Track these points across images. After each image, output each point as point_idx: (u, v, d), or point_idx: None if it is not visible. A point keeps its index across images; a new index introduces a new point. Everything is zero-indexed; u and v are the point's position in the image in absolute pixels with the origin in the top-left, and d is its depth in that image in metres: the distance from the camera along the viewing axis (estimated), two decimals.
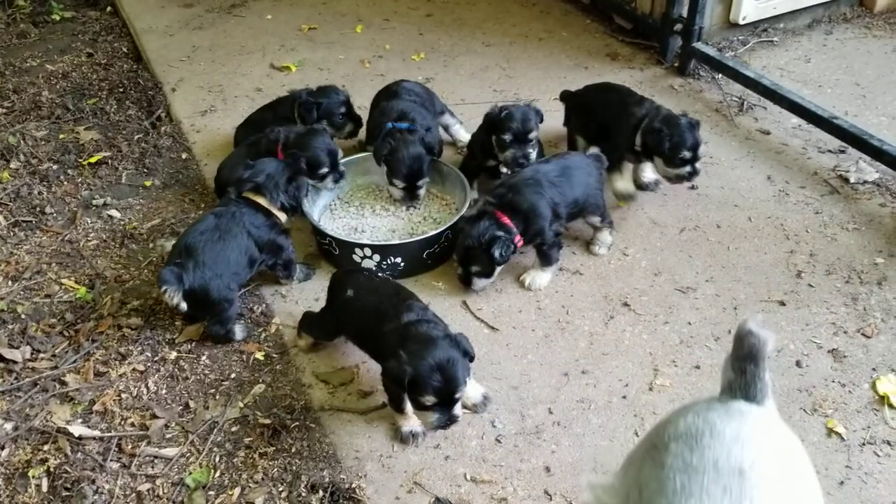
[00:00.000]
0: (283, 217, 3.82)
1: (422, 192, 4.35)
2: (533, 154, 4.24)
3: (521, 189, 3.83)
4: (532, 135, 4.21)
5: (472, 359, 3.08)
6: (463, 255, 3.80)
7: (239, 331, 3.68)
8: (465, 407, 3.32)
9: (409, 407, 3.18)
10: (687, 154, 4.10)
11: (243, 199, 3.76)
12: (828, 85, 5.45)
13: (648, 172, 4.39)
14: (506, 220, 3.76)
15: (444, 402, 2.93)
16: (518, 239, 3.77)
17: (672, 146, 4.07)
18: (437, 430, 3.07)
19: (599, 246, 4.11)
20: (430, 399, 2.91)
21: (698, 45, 5.42)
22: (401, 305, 3.19)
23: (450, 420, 2.98)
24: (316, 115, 4.53)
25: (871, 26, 6.13)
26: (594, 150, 4.23)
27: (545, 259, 3.92)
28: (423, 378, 2.88)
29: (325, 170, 4.13)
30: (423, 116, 4.42)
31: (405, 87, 4.61)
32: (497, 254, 3.68)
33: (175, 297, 3.43)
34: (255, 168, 3.82)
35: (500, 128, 4.19)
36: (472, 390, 3.32)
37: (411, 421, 3.21)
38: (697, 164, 4.16)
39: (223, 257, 3.55)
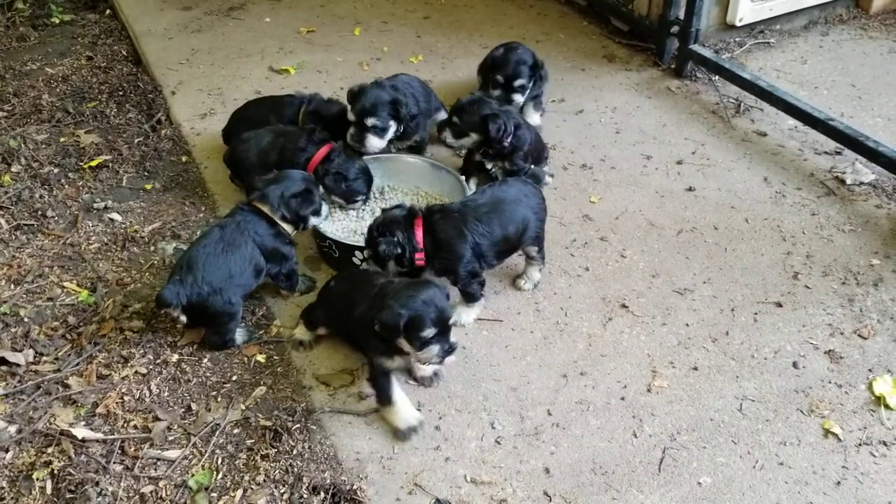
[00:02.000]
0: (289, 228, 3.80)
1: (372, 139, 4.31)
2: (449, 139, 4.32)
3: (447, 219, 3.65)
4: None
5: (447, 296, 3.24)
6: (367, 236, 3.70)
7: (240, 336, 3.71)
8: (413, 379, 3.49)
9: (396, 395, 3.28)
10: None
11: (250, 206, 3.78)
12: (824, 86, 5.49)
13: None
14: (418, 232, 3.59)
15: (442, 332, 3.10)
16: (420, 256, 3.60)
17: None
18: (441, 361, 3.18)
19: (526, 281, 3.97)
20: (430, 331, 3.07)
21: (695, 47, 5.45)
22: (370, 285, 3.31)
23: (450, 348, 3.14)
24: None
25: (867, 27, 6.17)
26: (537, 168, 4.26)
27: (467, 297, 3.75)
28: (420, 314, 3.05)
29: (360, 199, 4.30)
30: (410, 106, 4.51)
31: (402, 79, 4.72)
32: (381, 249, 3.55)
33: (175, 312, 3.50)
34: (270, 178, 3.85)
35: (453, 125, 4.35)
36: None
37: (404, 413, 3.28)
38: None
39: (224, 271, 3.54)
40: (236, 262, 3.58)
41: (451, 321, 3.14)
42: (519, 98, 4.84)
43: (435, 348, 3.11)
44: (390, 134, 4.35)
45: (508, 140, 4.20)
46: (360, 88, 4.35)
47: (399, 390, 3.30)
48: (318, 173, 4.17)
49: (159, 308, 3.52)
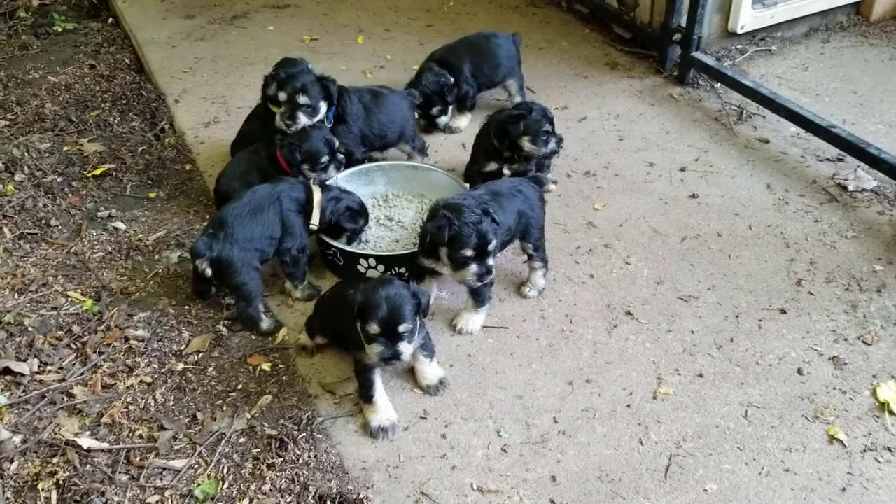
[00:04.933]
0: (316, 219, 3.94)
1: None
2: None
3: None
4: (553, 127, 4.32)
5: (424, 311, 3.25)
6: (479, 239, 3.43)
7: (265, 323, 3.82)
8: (418, 387, 3.49)
9: (377, 395, 3.31)
10: None
11: (305, 181, 4.02)
12: (825, 93, 5.50)
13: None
14: None
15: (387, 333, 3.10)
16: None
17: None
18: (384, 363, 3.17)
19: (530, 288, 3.97)
20: (374, 328, 3.09)
21: (697, 55, 5.47)
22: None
23: (393, 355, 3.11)
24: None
25: (867, 35, 6.18)
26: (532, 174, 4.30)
27: (478, 298, 3.73)
28: (371, 306, 3.09)
29: (325, 159, 4.25)
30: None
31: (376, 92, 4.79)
32: (489, 227, 3.44)
33: (204, 264, 3.70)
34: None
35: (534, 128, 4.24)
36: (430, 372, 3.48)
37: (380, 414, 3.31)
38: None
39: (249, 231, 3.77)
40: (257, 226, 3.78)
41: (400, 328, 3.09)
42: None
43: (378, 348, 3.12)
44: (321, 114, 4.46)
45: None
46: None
47: (381, 390, 3.34)
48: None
49: (193, 259, 3.74)
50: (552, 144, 4.30)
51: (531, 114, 4.24)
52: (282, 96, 4.41)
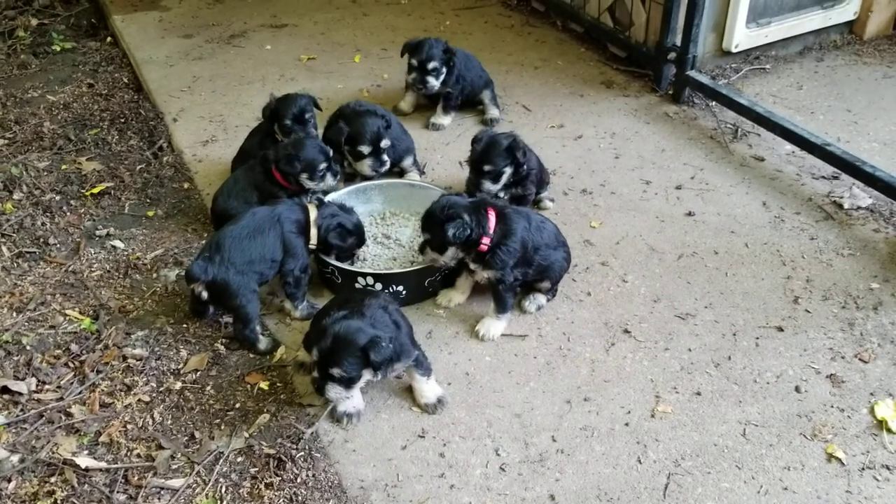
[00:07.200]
0: (314, 238, 3.96)
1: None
2: (488, 185, 4.34)
3: (518, 214, 3.82)
4: (486, 167, 4.32)
5: (376, 366, 3.18)
6: (423, 221, 3.83)
7: (263, 343, 3.81)
8: (416, 406, 3.50)
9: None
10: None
11: (301, 203, 4.04)
12: (820, 111, 5.54)
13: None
14: (491, 219, 3.73)
15: (319, 366, 3.20)
16: (486, 241, 3.69)
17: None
18: (315, 390, 3.28)
19: (530, 303, 4.00)
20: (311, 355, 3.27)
21: (692, 73, 5.51)
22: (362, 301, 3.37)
23: (318, 389, 3.23)
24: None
25: (861, 53, 6.24)
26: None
27: (500, 303, 3.81)
28: (311, 335, 3.32)
29: (323, 166, 4.30)
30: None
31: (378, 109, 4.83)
32: (450, 232, 3.61)
33: (200, 287, 3.71)
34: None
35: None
36: (428, 390, 3.48)
37: (349, 401, 3.37)
38: None
39: (247, 254, 3.76)
40: (257, 248, 3.78)
41: (332, 371, 3.15)
42: (433, 81, 5.32)
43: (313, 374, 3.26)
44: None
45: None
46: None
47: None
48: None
49: (188, 283, 3.74)
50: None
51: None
52: (365, 150, 4.57)
